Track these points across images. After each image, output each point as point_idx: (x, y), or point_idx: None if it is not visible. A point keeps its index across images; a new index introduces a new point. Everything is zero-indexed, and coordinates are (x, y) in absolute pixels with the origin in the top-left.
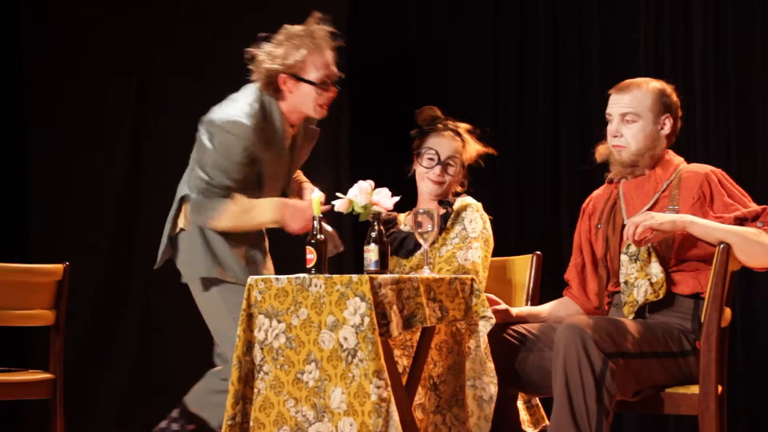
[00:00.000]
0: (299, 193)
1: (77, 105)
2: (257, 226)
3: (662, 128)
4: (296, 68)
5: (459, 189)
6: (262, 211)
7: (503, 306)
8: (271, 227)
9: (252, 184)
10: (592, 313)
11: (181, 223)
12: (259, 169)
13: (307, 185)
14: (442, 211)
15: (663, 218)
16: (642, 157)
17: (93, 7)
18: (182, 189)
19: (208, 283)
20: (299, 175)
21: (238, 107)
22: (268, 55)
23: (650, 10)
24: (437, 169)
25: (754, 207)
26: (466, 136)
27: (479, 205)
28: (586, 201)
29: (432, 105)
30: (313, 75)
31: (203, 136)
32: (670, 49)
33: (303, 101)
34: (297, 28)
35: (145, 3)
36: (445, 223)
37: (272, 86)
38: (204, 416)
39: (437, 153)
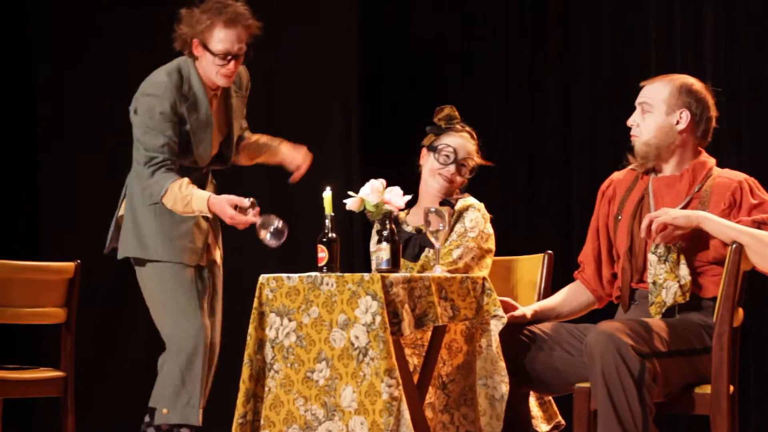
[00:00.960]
0: (275, 154)
1: (88, 103)
2: (194, 212)
3: (678, 123)
4: (203, 36)
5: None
6: (196, 201)
7: (520, 312)
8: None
9: (184, 149)
10: (603, 299)
11: (121, 209)
12: (186, 131)
13: (284, 146)
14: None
15: (678, 213)
16: (650, 149)
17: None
18: (129, 177)
19: (138, 263)
20: (273, 140)
21: (155, 74)
22: (186, 17)
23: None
24: (452, 168)
25: None
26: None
27: (481, 205)
28: (606, 183)
29: (443, 104)
30: (214, 46)
31: (131, 112)
32: (681, 48)
33: (209, 68)
34: (218, 1)
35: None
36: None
37: (187, 48)
38: (161, 406)
39: (455, 151)
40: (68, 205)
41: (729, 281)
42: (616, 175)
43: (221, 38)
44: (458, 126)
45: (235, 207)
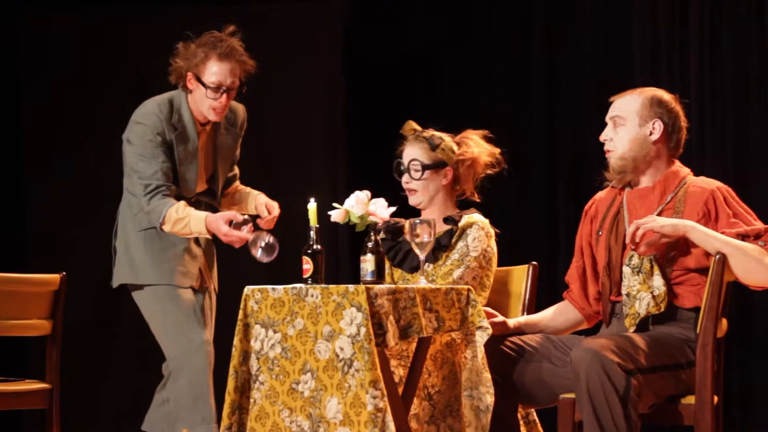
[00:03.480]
0: (243, 202)
1: (75, 117)
2: (193, 234)
3: (651, 133)
4: (198, 69)
5: (468, 194)
6: (194, 222)
7: (500, 318)
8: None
9: (174, 177)
10: (592, 317)
11: (115, 240)
12: (174, 161)
13: (251, 193)
14: (447, 227)
15: (665, 221)
16: (627, 162)
17: (93, 16)
18: (120, 207)
19: (134, 288)
20: (242, 189)
21: (146, 103)
22: (182, 51)
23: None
24: (404, 178)
25: (757, 225)
26: (446, 139)
27: (486, 222)
28: (589, 203)
29: (429, 116)
30: (207, 78)
31: (125, 142)
32: (666, 60)
33: (201, 101)
34: (213, 34)
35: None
36: (449, 240)
37: (182, 81)
38: (180, 427)
39: (399, 163)
40: (54, 218)
41: (713, 292)
42: (599, 195)
43: (214, 71)
44: (410, 137)
45: (230, 223)
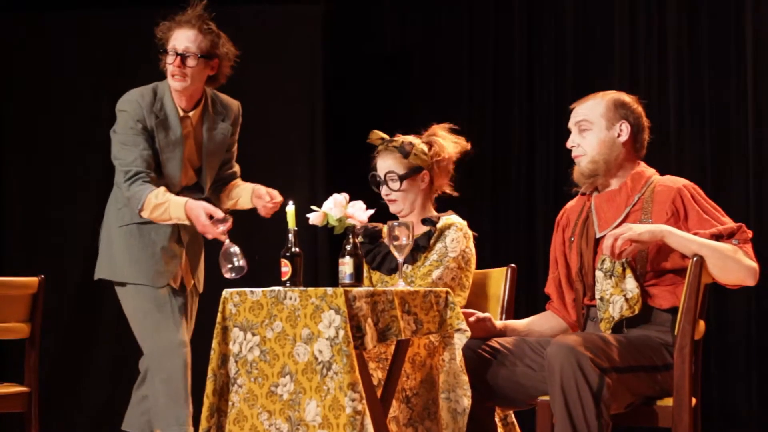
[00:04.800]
0: (239, 198)
1: (54, 117)
2: (172, 220)
3: (619, 135)
4: (164, 44)
5: (446, 190)
6: (173, 208)
7: (485, 314)
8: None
9: (156, 165)
10: (573, 326)
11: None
12: (156, 149)
13: (246, 187)
14: (426, 229)
15: (641, 228)
16: (597, 164)
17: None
18: (108, 200)
19: (116, 284)
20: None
21: (129, 92)
22: (159, 29)
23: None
24: (383, 190)
25: (730, 224)
26: (416, 142)
27: (464, 224)
28: (560, 213)
29: (407, 118)
30: (168, 46)
31: (111, 133)
32: (645, 66)
33: (167, 73)
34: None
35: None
36: (428, 242)
37: (161, 63)
38: (154, 428)
39: (374, 176)
40: (32, 221)
41: (690, 294)
42: (569, 204)
43: (175, 36)
44: (380, 148)
45: (210, 217)
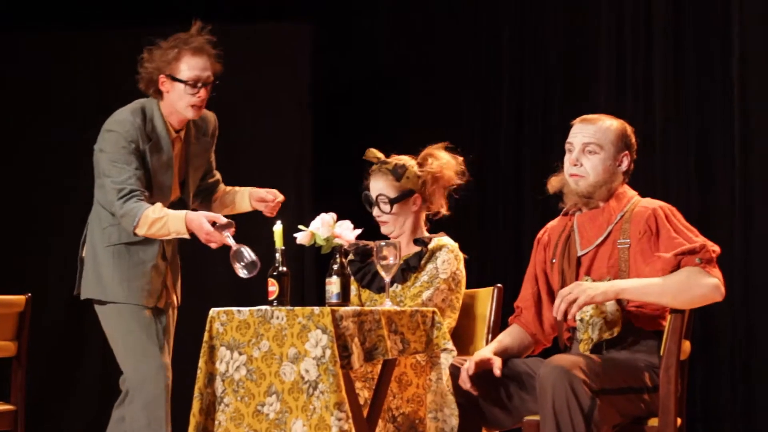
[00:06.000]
0: (234, 203)
1: (39, 133)
2: (170, 235)
3: (620, 164)
4: (171, 68)
5: (441, 211)
6: (173, 222)
7: (484, 356)
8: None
9: (147, 184)
10: (540, 343)
11: (83, 251)
12: (148, 171)
13: (240, 191)
14: (417, 249)
15: (594, 291)
16: (598, 189)
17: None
18: (90, 218)
19: (98, 303)
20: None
21: (118, 112)
22: (150, 55)
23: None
24: (374, 211)
25: (694, 243)
26: (409, 164)
27: (455, 245)
28: (541, 232)
29: (395, 136)
30: (184, 74)
31: (96, 151)
32: (631, 83)
33: (178, 101)
34: (180, 34)
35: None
36: (419, 262)
37: (153, 86)
38: None
39: (367, 197)
40: (19, 239)
41: (675, 316)
42: (551, 223)
43: (192, 65)
44: (373, 167)
45: (213, 224)
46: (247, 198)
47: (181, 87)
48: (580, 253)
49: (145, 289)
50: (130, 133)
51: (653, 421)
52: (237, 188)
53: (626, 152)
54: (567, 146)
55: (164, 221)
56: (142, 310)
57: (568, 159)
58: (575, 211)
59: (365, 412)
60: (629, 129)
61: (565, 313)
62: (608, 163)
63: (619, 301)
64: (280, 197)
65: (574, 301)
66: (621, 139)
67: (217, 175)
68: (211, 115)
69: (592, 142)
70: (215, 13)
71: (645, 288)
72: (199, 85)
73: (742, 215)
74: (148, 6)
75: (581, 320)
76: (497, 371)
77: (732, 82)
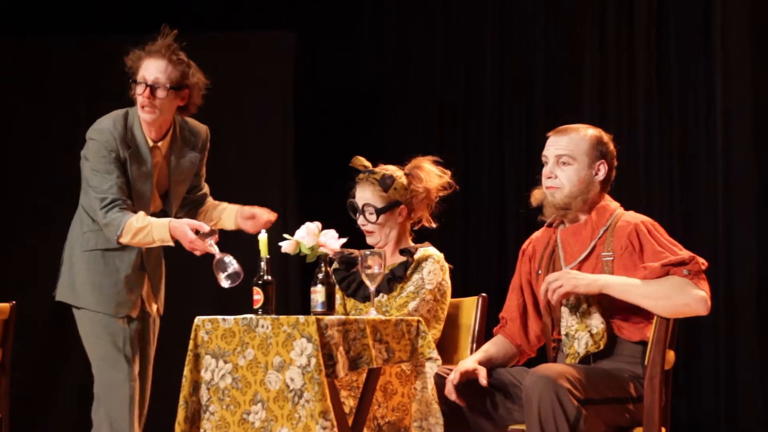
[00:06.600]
0: (219, 219)
1: (25, 144)
2: (155, 243)
3: (596, 173)
4: (134, 70)
5: (425, 223)
6: (156, 230)
7: (469, 367)
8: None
9: (129, 193)
10: (524, 354)
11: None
12: (129, 179)
13: (227, 208)
14: (403, 259)
15: (579, 281)
16: (575, 200)
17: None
18: (72, 222)
19: (74, 307)
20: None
21: (101, 120)
22: (129, 59)
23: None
24: (359, 219)
25: (682, 254)
26: (397, 175)
27: (440, 256)
28: (526, 243)
29: (380, 145)
30: (137, 76)
31: (82, 158)
32: (615, 92)
33: (137, 103)
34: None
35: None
36: (404, 272)
37: (130, 91)
38: None
39: (352, 205)
40: (3, 246)
41: (660, 325)
42: (536, 235)
43: (144, 66)
44: (360, 176)
45: (197, 232)
46: (233, 217)
47: (135, 88)
48: (564, 269)
49: (115, 298)
50: (110, 142)
51: (638, 431)
52: (225, 204)
53: (602, 161)
54: (543, 159)
55: (148, 230)
56: (112, 319)
57: (543, 172)
58: (559, 224)
59: (350, 421)
60: (606, 137)
61: (546, 296)
62: (583, 174)
63: (603, 315)
64: (273, 216)
65: (561, 287)
66: (595, 148)
67: (206, 188)
68: (203, 129)
69: (565, 153)
70: (201, 21)
71: (629, 287)
72: (144, 85)
73: (725, 224)
74: (134, 14)
75: (566, 335)
76: (483, 381)
77: (714, 93)
